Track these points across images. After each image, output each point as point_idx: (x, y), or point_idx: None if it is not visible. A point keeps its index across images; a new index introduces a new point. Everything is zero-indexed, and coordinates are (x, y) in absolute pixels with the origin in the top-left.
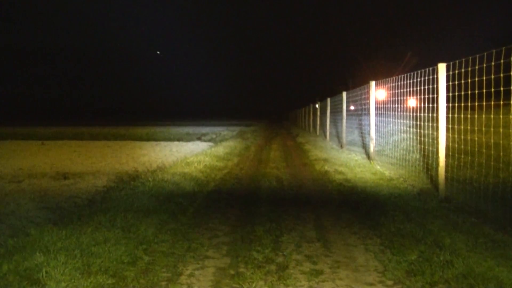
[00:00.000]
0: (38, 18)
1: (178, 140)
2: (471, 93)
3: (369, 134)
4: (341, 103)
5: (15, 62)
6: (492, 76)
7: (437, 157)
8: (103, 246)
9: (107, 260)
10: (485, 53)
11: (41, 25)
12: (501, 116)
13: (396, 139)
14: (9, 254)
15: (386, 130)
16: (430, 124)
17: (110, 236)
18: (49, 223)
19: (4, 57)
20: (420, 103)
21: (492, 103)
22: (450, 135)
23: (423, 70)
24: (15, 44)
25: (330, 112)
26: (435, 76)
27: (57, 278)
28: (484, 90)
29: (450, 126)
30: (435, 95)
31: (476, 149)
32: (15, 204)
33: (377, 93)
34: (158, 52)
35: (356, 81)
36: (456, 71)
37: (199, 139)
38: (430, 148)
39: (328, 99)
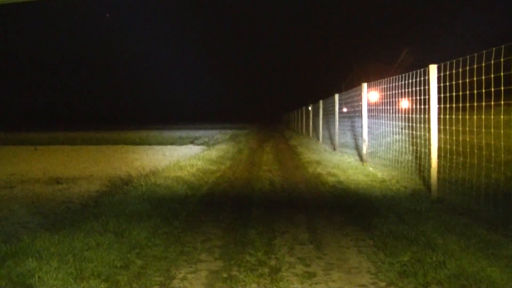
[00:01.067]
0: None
1: (171, 144)
2: (462, 94)
3: (361, 136)
4: (334, 105)
5: (9, 69)
6: (483, 77)
7: (430, 158)
8: (96, 250)
9: (100, 265)
10: (476, 54)
11: (30, 31)
12: (492, 117)
13: (389, 141)
14: (1, 260)
15: (378, 132)
16: (423, 125)
17: (103, 241)
18: (41, 228)
19: None
20: (412, 105)
21: (483, 103)
22: (442, 136)
23: (414, 72)
24: (10, 51)
25: (323, 115)
26: (427, 77)
27: (49, 284)
28: (475, 91)
29: (442, 127)
30: (427, 96)
31: (468, 150)
32: (7, 209)
33: (369, 94)
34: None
35: (349, 83)
36: (447, 72)
37: (192, 142)
38: (423, 150)
39: (321, 101)
